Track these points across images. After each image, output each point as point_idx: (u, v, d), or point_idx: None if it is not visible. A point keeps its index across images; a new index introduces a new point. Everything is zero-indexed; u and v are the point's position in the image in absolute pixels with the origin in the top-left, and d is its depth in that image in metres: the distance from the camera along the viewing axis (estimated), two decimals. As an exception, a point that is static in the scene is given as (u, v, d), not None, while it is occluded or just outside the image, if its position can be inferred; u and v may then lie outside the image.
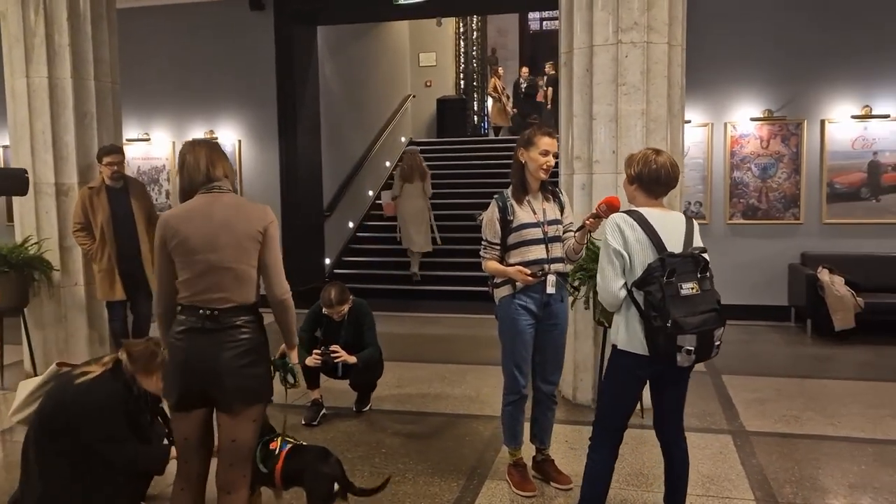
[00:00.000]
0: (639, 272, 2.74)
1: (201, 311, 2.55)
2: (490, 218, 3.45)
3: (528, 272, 3.33)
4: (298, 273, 7.28)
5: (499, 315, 3.53)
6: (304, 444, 3.34)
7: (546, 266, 3.40)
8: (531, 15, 18.94)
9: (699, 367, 2.97)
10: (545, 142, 3.35)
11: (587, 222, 3.22)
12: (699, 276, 2.77)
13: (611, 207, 3.05)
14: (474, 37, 16.81)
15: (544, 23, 19.71)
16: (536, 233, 3.40)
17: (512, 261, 3.42)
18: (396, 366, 5.61)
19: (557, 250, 3.46)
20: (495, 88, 14.97)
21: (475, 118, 16.69)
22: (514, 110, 14.95)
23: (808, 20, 7.29)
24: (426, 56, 15.31)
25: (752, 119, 7.48)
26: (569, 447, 4.21)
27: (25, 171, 1.99)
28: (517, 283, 3.39)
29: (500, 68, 15.94)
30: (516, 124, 15.07)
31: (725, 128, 7.55)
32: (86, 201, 5.45)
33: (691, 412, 3.24)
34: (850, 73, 7.26)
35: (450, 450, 4.24)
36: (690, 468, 3.06)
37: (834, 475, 3.86)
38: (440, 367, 6.05)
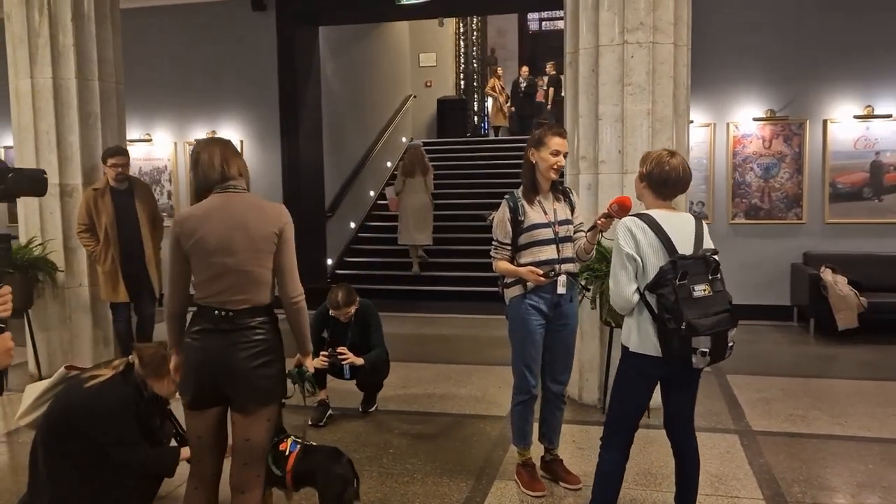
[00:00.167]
0: (651, 275, 2.75)
1: (216, 311, 2.55)
2: (501, 218, 3.45)
3: (540, 272, 3.33)
4: (300, 273, 7.26)
5: (509, 315, 3.54)
6: (315, 444, 3.33)
7: (557, 266, 3.40)
8: (530, 15, 18.97)
9: (704, 367, 2.98)
10: (556, 142, 3.35)
11: (599, 222, 3.22)
12: (711, 277, 2.78)
13: (622, 207, 3.05)
14: (474, 37, 16.82)
15: (543, 23, 19.75)
16: (547, 233, 3.41)
17: (523, 261, 3.42)
18: (401, 366, 5.61)
19: (568, 250, 3.47)
20: (493, 88, 14.99)
21: (475, 118, 16.70)
22: (513, 109, 14.97)
23: (810, 21, 7.31)
24: (426, 56, 15.32)
25: (755, 119, 7.49)
26: (576, 447, 4.22)
27: (44, 172, 1.97)
28: (528, 284, 3.39)
29: (499, 68, 15.96)
30: (514, 124, 15.10)
31: (728, 128, 7.56)
32: (90, 203, 5.45)
33: (697, 412, 3.25)
34: (852, 74, 7.28)
35: (457, 450, 4.25)
36: (699, 468, 3.07)
37: (842, 474, 3.87)
38: (444, 368, 6.05)
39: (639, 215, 2.84)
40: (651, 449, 4.05)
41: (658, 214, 2.83)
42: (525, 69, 15.22)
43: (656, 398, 3.05)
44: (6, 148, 9.08)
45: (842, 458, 4.07)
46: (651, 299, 2.75)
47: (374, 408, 4.95)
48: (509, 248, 3.44)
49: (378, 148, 11.77)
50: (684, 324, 2.63)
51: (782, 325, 7.40)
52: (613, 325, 4.58)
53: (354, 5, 9.39)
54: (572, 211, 3.54)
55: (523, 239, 3.42)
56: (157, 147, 9.17)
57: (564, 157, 3.40)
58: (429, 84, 15.26)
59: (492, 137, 15.10)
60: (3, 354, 1.78)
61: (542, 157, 3.38)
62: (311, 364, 2.86)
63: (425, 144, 13.20)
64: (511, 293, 3.48)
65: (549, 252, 3.41)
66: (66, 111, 5.72)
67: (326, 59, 9.93)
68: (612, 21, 4.66)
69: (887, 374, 5.75)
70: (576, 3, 4.85)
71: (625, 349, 2.93)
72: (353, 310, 4.66)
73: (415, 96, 14.22)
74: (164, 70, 8.89)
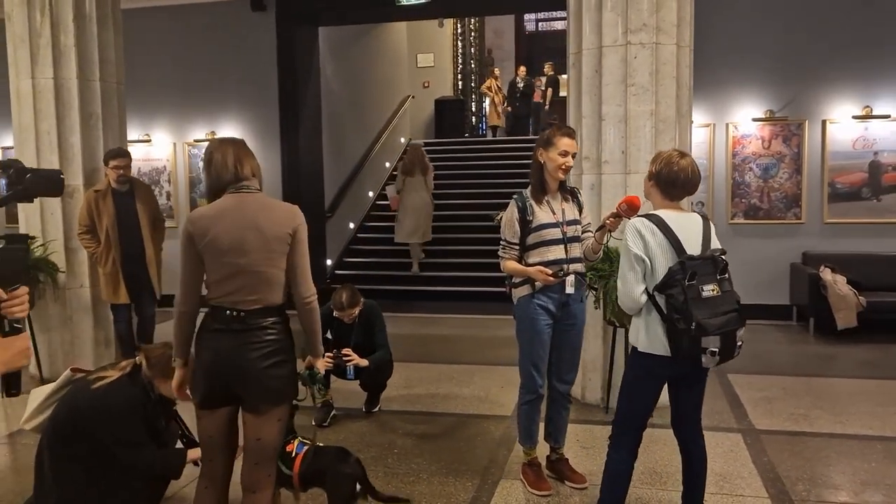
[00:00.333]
0: (660, 276, 2.76)
1: (228, 312, 2.55)
2: (509, 218, 3.46)
3: (549, 272, 3.34)
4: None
5: (517, 315, 3.54)
6: (322, 445, 3.34)
7: (565, 266, 3.41)
8: (527, 16, 19.00)
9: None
10: (565, 142, 3.36)
11: (607, 222, 3.24)
12: (719, 277, 2.80)
13: (631, 207, 3.06)
14: (472, 37, 16.83)
15: (540, 24, 19.77)
16: (555, 233, 3.42)
17: (531, 261, 3.43)
18: (403, 366, 5.60)
19: (576, 250, 3.48)
20: (490, 87, 15.01)
21: (473, 119, 16.71)
22: (509, 109, 14.98)
23: (808, 21, 7.34)
24: (424, 57, 15.32)
25: (754, 119, 7.52)
26: (580, 446, 4.23)
27: (61, 172, 1.98)
28: (536, 283, 3.40)
29: (496, 69, 15.98)
30: (510, 124, 15.12)
31: (727, 128, 7.59)
32: (91, 205, 5.44)
33: (701, 411, 3.35)
34: (850, 74, 7.32)
35: (462, 450, 4.26)
36: (703, 466, 3.09)
37: (845, 472, 3.89)
38: (446, 368, 6.06)
39: (647, 216, 2.85)
40: (655, 448, 4.06)
41: (666, 215, 2.84)
42: (522, 69, 15.24)
43: (661, 398, 3.06)
44: (5, 148, 9.05)
45: (845, 457, 4.09)
46: (660, 300, 2.76)
47: (377, 408, 4.96)
48: (517, 247, 3.45)
49: (377, 148, 11.78)
50: (694, 324, 2.64)
51: (782, 325, 7.43)
52: (617, 324, 4.60)
53: (354, 5, 9.39)
54: (580, 211, 3.55)
55: (531, 239, 3.43)
56: (156, 148, 9.15)
57: (573, 157, 3.41)
58: (426, 85, 15.26)
59: (489, 137, 15.11)
60: (19, 354, 1.78)
61: (551, 157, 3.39)
62: (322, 365, 2.87)
63: (423, 145, 13.24)
64: (519, 293, 3.49)
65: (557, 252, 3.42)
66: (67, 112, 5.71)
67: (326, 60, 9.92)
68: (616, 22, 4.68)
69: (887, 373, 5.78)
70: (579, 3, 4.86)
71: (633, 349, 2.94)
72: (357, 311, 4.67)
73: (413, 97, 14.22)
74: (164, 70, 8.87)
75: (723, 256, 2.85)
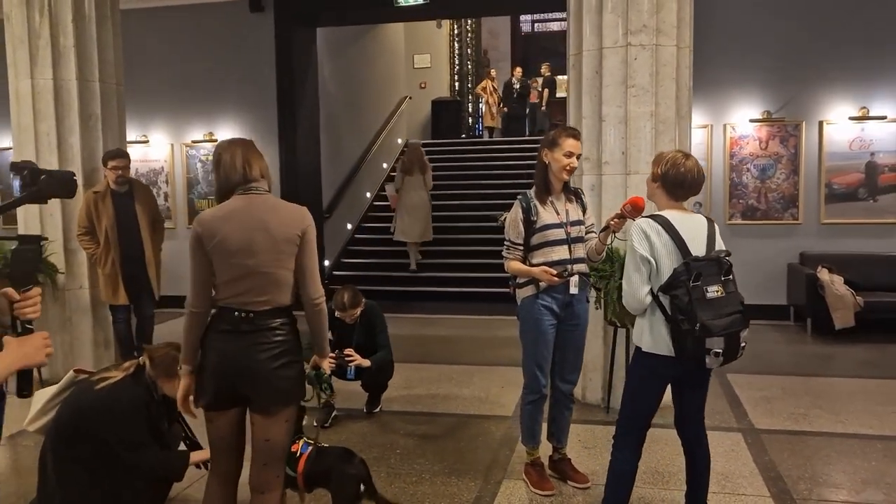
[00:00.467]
0: (665, 277, 2.77)
1: (237, 313, 2.55)
2: (514, 218, 3.47)
3: (554, 272, 3.35)
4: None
5: (521, 315, 3.55)
6: (326, 445, 3.34)
7: (569, 266, 3.42)
8: (522, 17, 19.04)
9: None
10: (569, 143, 3.38)
11: (612, 223, 3.25)
12: (723, 278, 2.81)
13: (635, 208, 3.08)
14: (468, 38, 16.85)
15: (535, 25, 19.81)
16: (560, 233, 3.43)
17: (535, 261, 3.44)
18: (402, 367, 5.59)
19: (580, 251, 3.49)
20: (484, 88, 15.04)
21: (469, 120, 16.73)
22: (505, 109, 15.00)
23: (805, 23, 7.37)
24: (421, 58, 15.33)
25: (751, 120, 7.55)
26: (582, 446, 4.24)
27: (73, 174, 1.98)
28: (541, 284, 3.41)
29: (492, 70, 16.01)
30: (505, 125, 15.14)
31: (725, 129, 7.62)
32: (91, 206, 5.43)
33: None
34: (847, 75, 7.36)
35: (464, 450, 4.26)
36: (704, 466, 3.10)
37: (846, 471, 3.92)
38: (446, 368, 6.07)
39: (653, 217, 2.86)
40: (657, 447, 4.07)
41: (672, 216, 2.85)
42: (518, 70, 15.27)
43: (664, 398, 3.08)
44: (3, 149, 9.01)
45: (845, 456, 4.11)
46: (665, 300, 2.77)
47: (378, 409, 4.96)
48: (521, 248, 3.46)
49: (374, 149, 11.78)
50: (698, 325, 2.66)
51: (779, 325, 7.46)
52: (618, 325, 4.61)
53: (353, 6, 9.40)
54: (584, 212, 3.57)
55: (536, 239, 3.44)
56: (154, 148, 9.14)
57: (577, 158, 3.42)
58: (423, 85, 15.27)
59: (486, 138, 15.13)
60: (38, 350, 1.78)
61: (556, 158, 3.40)
62: (328, 366, 2.87)
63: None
64: (523, 293, 3.50)
65: (561, 252, 3.43)
66: (66, 112, 5.70)
67: (324, 61, 9.93)
68: (616, 23, 4.69)
69: (885, 372, 5.81)
70: (579, 5, 4.88)
71: (637, 349, 2.95)
72: (358, 311, 4.67)
73: (410, 98, 14.23)
74: (162, 71, 8.86)
75: (728, 258, 2.87)
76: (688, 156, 2.93)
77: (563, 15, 5.12)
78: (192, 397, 2.68)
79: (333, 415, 4.73)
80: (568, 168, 3.40)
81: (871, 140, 7.35)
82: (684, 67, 4.81)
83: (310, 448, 3.23)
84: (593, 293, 4.55)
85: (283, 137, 8.93)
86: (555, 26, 18.99)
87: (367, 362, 4.61)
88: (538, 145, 3.54)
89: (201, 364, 2.63)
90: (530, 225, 3.42)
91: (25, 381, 1.87)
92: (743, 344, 2.80)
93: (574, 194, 3.57)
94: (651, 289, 2.82)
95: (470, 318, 8.16)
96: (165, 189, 9.14)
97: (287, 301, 2.62)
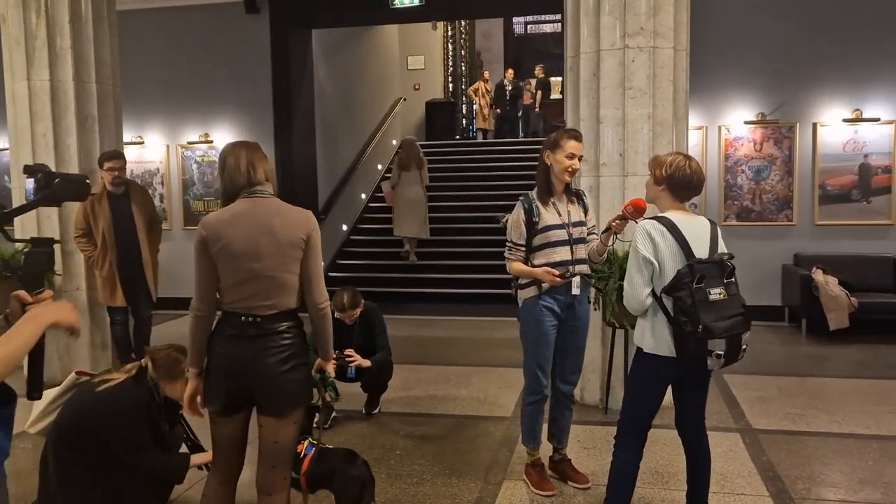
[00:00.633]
0: (668, 278, 2.78)
1: (243, 317, 2.55)
2: (516, 219, 3.49)
3: (556, 273, 3.37)
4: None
5: (522, 316, 3.57)
6: (329, 446, 3.35)
7: (571, 267, 3.44)
8: (515, 19, 19.09)
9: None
10: (571, 145, 3.40)
11: (613, 224, 3.26)
12: (726, 280, 2.83)
13: (637, 209, 3.10)
14: (462, 40, 16.88)
15: (528, 26, 19.87)
16: (561, 234, 3.45)
17: (537, 262, 3.45)
18: (401, 368, 5.59)
19: (582, 252, 3.51)
20: (476, 90, 15.07)
21: (463, 121, 16.76)
22: (498, 111, 15.03)
23: (799, 26, 7.42)
24: (415, 59, 15.35)
25: (746, 122, 7.60)
26: (581, 447, 4.26)
27: (86, 177, 1.99)
28: (543, 285, 3.43)
29: (485, 72, 16.04)
30: (497, 127, 15.17)
31: (720, 131, 7.66)
32: (87, 208, 5.42)
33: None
34: (840, 78, 7.41)
35: (464, 451, 4.28)
36: (702, 466, 3.12)
37: (843, 471, 3.95)
38: (444, 370, 6.08)
39: (657, 218, 2.88)
40: (657, 448, 4.09)
41: (676, 218, 2.87)
42: (510, 72, 15.29)
43: (665, 398, 3.10)
44: (0, 150, 8.97)
45: (842, 455, 4.14)
46: (667, 302, 2.79)
47: (377, 410, 4.97)
48: (523, 249, 3.48)
49: (369, 151, 11.79)
50: (700, 326, 2.67)
51: (774, 326, 7.50)
52: (617, 325, 4.64)
53: (348, 8, 9.40)
54: (585, 213, 3.58)
55: (537, 240, 3.45)
56: (150, 150, 9.12)
57: (579, 160, 3.44)
58: (417, 87, 15.29)
59: (480, 140, 15.16)
60: (71, 310, 1.76)
61: (557, 160, 3.42)
62: (332, 369, 2.88)
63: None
64: (525, 294, 3.51)
65: (563, 253, 3.45)
66: (63, 114, 5.69)
67: (319, 63, 9.93)
68: (614, 26, 4.72)
69: (879, 372, 5.86)
70: (577, 7, 4.90)
71: (639, 350, 2.97)
72: (358, 312, 4.68)
73: (404, 99, 14.25)
74: (157, 72, 8.83)
75: (730, 261, 2.89)
76: (688, 157, 2.95)
77: (557, 17, 5.16)
78: (199, 398, 2.68)
79: (333, 416, 4.73)
80: (570, 169, 3.42)
81: (865, 142, 7.41)
82: (681, 70, 4.84)
83: (314, 449, 3.24)
84: (592, 294, 4.60)
85: (279, 139, 8.92)
86: (548, 28, 19.07)
87: (367, 363, 4.62)
88: (532, 147, 3.56)
89: (208, 367, 2.63)
90: (532, 226, 3.44)
91: (35, 383, 1.87)
92: (744, 346, 2.82)
93: (576, 195, 3.59)
94: (653, 290, 2.84)
95: (467, 319, 8.18)
96: (161, 190, 9.12)
97: (293, 304, 2.62)
